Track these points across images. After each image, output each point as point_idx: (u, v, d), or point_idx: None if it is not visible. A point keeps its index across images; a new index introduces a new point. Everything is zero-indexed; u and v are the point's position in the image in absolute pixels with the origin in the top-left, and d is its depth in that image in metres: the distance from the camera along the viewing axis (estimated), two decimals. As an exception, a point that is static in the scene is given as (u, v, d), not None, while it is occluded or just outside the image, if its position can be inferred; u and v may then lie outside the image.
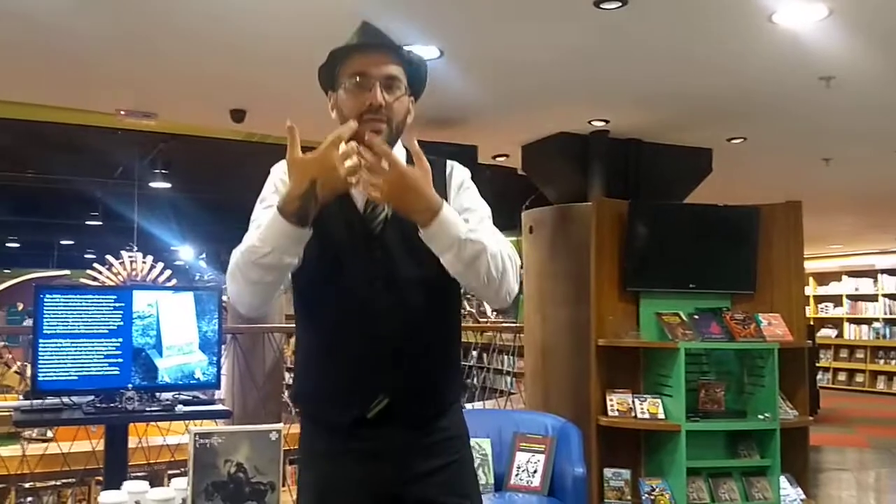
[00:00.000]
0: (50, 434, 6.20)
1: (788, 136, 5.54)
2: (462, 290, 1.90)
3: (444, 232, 1.66)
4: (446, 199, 1.77)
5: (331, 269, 1.81)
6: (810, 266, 13.76)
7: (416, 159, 1.68)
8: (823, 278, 15.19)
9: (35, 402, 3.33)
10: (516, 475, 4.08)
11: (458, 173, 1.96)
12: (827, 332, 14.86)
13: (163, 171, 8.80)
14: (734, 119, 5.10)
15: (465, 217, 1.78)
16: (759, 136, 5.52)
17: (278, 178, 1.89)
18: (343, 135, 1.64)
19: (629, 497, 4.74)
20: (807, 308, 11.77)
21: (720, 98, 4.60)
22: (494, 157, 6.23)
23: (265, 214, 1.74)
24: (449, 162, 1.97)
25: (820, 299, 15.27)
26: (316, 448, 1.89)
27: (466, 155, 5.03)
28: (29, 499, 5.56)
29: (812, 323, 13.10)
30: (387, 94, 1.78)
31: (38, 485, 5.49)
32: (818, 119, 5.04)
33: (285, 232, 1.64)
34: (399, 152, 1.87)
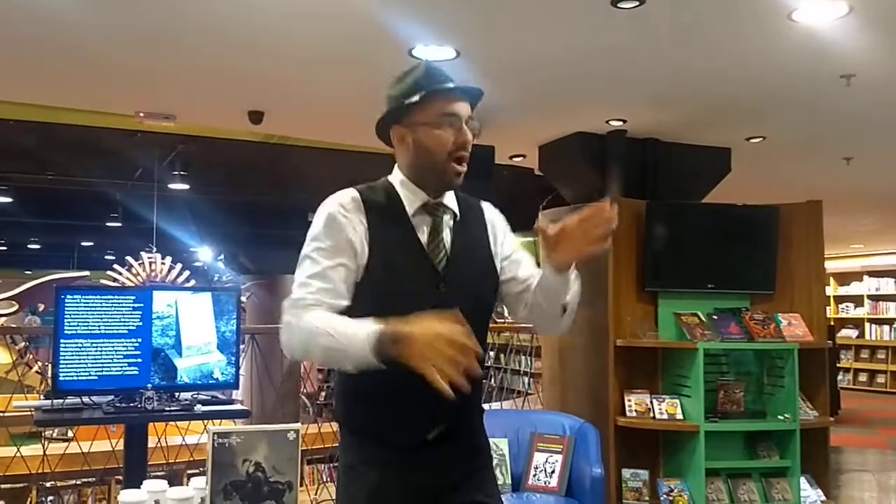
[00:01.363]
0: (70, 434, 6.25)
1: (808, 135, 5.50)
2: None
3: (573, 273, 1.95)
4: (486, 236, 2.04)
5: (397, 300, 1.84)
6: (831, 266, 13.65)
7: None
8: (844, 278, 15.05)
9: (56, 401, 3.36)
10: (534, 475, 4.07)
11: (502, 218, 2.14)
12: (848, 333, 14.73)
13: (181, 173, 8.84)
14: (753, 118, 5.06)
15: (522, 255, 2.08)
16: (778, 136, 5.48)
17: (339, 213, 1.91)
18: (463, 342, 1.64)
19: (647, 498, 4.73)
20: (827, 308, 11.68)
21: (739, 97, 4.57)
22: (511, 158, 6.22)
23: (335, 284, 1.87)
24: (483, 203, 2.12)
25: (840, 299, 15.14)
26: (371, 455, 1.97)
27: (484, 155, 5.02)
28: (50, 497, 5.61)
29: (832, 323, 13.01)
30: (469, 134, 1.94)
31: (59, 484, 5.54)
32: (839, 117, 5.00)
33: (365, 358, 1.71)
34: (450, 192, 2.03)
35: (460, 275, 1.94)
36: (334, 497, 2.74)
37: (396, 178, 2.00)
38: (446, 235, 1.97)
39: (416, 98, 1.90)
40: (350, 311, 1.88)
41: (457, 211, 2.02)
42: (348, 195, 1.95)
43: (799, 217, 5.14)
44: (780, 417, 4.72)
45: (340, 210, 1.90)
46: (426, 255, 1.93)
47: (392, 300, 1.85)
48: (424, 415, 1.90)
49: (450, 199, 2.02)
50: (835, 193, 6.83)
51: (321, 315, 1.82)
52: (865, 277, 14.71)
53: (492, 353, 12.50)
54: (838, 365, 13.56)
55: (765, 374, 4.96)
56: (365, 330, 1.71)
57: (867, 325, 14.64)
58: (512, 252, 2.08)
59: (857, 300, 14.89)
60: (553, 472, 4.04)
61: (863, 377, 14.46)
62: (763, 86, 4.35)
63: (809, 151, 6.04)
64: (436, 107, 1.91)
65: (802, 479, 4.75)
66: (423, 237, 1.95)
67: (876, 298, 14.59)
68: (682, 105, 4.77)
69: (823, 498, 4.86)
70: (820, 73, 4.05)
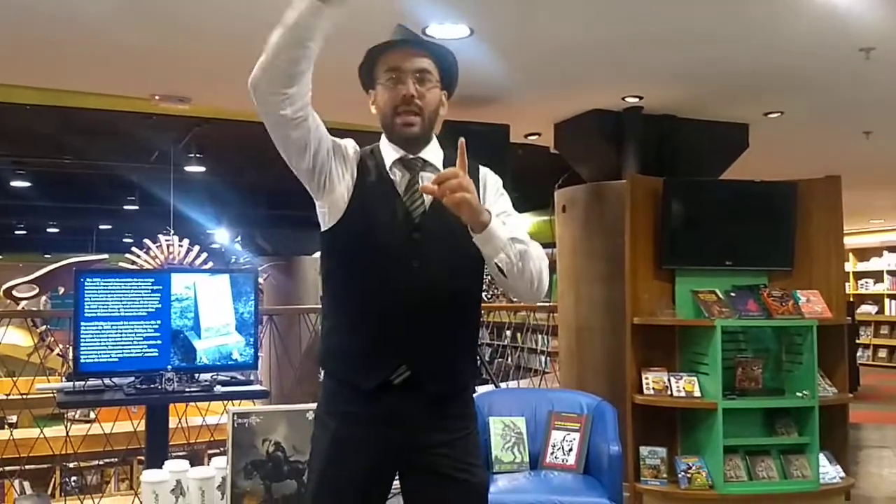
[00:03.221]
0: (92, 415, 6.32)
1: (827, 109, 5.44)
2: (487, 283, 1.98)
3: (496, 235, 1.82)
4: (478, 199, 1.90)
5: (370, 244, 1.95)
6: (850, 242, 13.53)
7: (461, 162, 1.82)
8: (864, 254, 14.93)
9: (77, 383, 3.40)
10: (551, 453, 4.08)
11: (494, 179, 2.13)
12: (867, 309, 14.63)
13: (197, 156, 8.87)
14: (771, 93, 5.01)
15: (504, 220, 1.96)
16: (796, 111, 5.42)
17: (350, 150, 2.04)
18: None
19: (665, 475, 4.73)
20: (846, 284, 11.60)
21: (756, 72, 4.52)
22: (527, 136, 6.19)
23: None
24: (482, 167, 2.13)
25: (860, 275, 15.03)
26: (336, 407, 2.01)
27: (498, 134, 5.01)
28: (73, 478, 5.69)
29: (852, 299, 12.91)
30: (419, 87, 1.95)
31: (82, 464, 5.62)
32: (858, 91, 4.94)
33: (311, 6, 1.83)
34: (434, 148, 2.08)
35: (437, 226, 1.95)
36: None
37: (382, 138, 2.08)
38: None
39: (365, 59, 2.01)
40: (325, 257, 2.04)
41: (440, 167, 2.04)
42: (354, 145, 2.06)
43: (817, 193, 5.09)
44: (798, 394, 4.71)
45: (350, 148, 2.02)
46: (401, 203, 1.98)
47: (365, 245, 1.95)
48: (388, 353, 1.93)
49: (433, 154, 2.07)
50: (854, 168, 6.76)
51: None
52: (885, 253, 14.58)
53: (508, 333, 12.54)
54: (857, 341, 13.48)
55: (783, 351, 4.94)
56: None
57: (887, 300, 14.52)
58: (502, 213, 2.03)
59: (877, 276, 14.77)
60: (571, 449, 4.05)
61: (882, 353, 14.37)
62: (781, 60, 4.30)
63: (828, 126, 5.98)
64: (382, 65, 1.99)
65: (821, 456, 4.74)
66: (401, 189, 2.00)
67: (896, 274, 14.49)
68: (699, 81, 4.73)
69: (842, 474, 4.85)
70: (838, 46, 4.00)
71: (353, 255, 1.98)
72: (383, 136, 2.08)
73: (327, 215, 2.01)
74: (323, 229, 2.04)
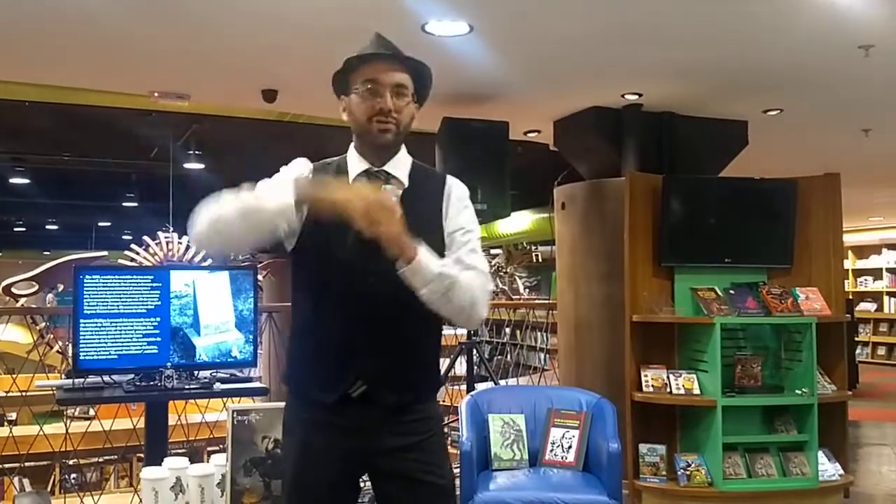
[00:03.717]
0: (92, 412, 6.32)
1: (826, 106, 5.43)
2: None
3: (422, 270, 1.86)
4: (438, 207, 2.05)
5: (326, 260, 1.99)
6: (849, 239, 13.53)
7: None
8: (863, 251, 14.93)
9: (77, 380, 3.40)
10: (551, 451, 4.08)
11: (459, 190, 2.12)
12: (866, 306, 14.63)
13: (196, 153, 8.87)
14: (770, 90, 5.01)
15: (463, 236, 2.03)
16: (796, 108, 5.42)
17: (288, 175, 2.06)
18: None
19: (664, 472, 4.74)
20: (845, 282, 11.59)
21: (756, 69, 4.51)
22: (526, 133, 6.19)
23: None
24: (448, 177, 2.15)
25: (859, 273, 15.03)
26: (300, 416, 2.07)
27: (498, 131, 5.00)
28: (73, 475, 5.70)
29: (851, 297, 12.91)
30: (396, 100, 1.98)
31: (82, 461, 5.62)
32: (857, 89, 4.94)
33: (282, 205, 1.89)
34: (403, 159, 2.08)
35: None
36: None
37: (350, 149, 2.10)
38: None
39: (341, 67, 2.02)
40: (291, 277, 2.08)
41: (404, 180, 2.06)
42: (304, 166, 2.10)
43: (817, 190, 5.10)
44: (797, 392, 4.71)
45: (294, 178, 2.01)
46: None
47: (321, 261, 1.99)
48: (344, 369, 1.98)
49: (397, 167, 2.07)
50: (853, 165, 6.76)
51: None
52: (884, 250, 14.58)
53: (508, 330, 12.53)
54: (857, 339, 13.49)
55: (782, 349, 4.95)
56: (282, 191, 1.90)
57: (886, 298, 14.53)
58: (459, 229, 2.05)
59: (876, 273, 14.78)
60: (570, 447, 4.05)
61: (881, 351, 14.38)
62: (780, 57, 4.29)
63: (827, 123, 5.97)
64: (359, 74, 2.01)
65: (820, 454, 4.74)
66: None
67: (895, 272, 14.48)
68: (698, 78, 4.72)
69: (841, 472, 4.85)
70: (838, 44, 3.99)
71: (310, 272, 2.03)
72: (351, 147, 2.10)
73: (289, 238, 2.04)
74: (288, 250, 2.06)
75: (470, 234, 2.07)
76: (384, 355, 1.98)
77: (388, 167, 2.05)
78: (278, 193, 1.90)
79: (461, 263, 1.97)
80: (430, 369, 2.15)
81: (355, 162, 2.06)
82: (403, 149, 2.10)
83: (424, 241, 1.91)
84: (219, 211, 1.92)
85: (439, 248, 1.99)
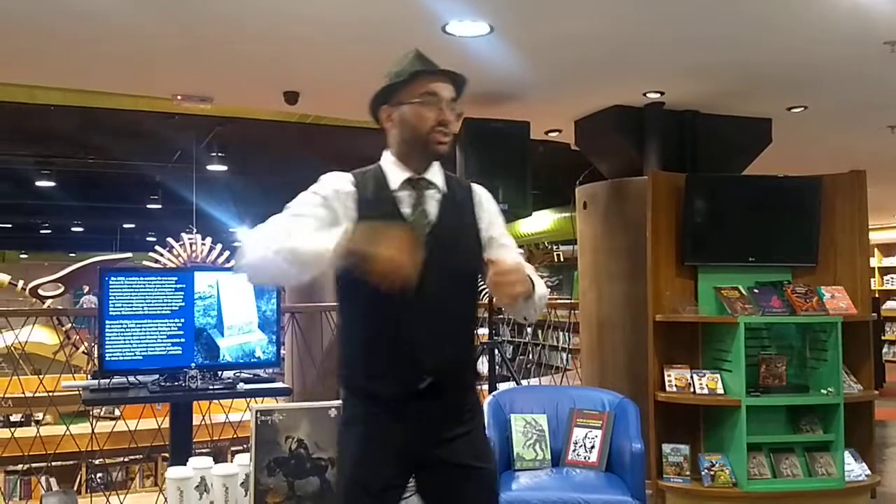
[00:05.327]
0: (117, 412, 6.39)
1: (851, 103, 5.38)
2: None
3: (539, 293, 2.11)
4: (472, 211, 2.19)
5: None
6: (875, 237, 13.35)
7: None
8: (890, 249, 14.73)
9: (102, 381, 3.44)
10: (573, 451, 4.07)
11: (488, 198, 2.27)
12: (893, 305, 14.44)
13: (219, 155, 8.93)
14: (794, 88, 4.97)
15: (507, 240, 2.24)
16: (820, 105, 5.37)
17: (331, 190, 2.12)
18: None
19: (688, 472, 4.71)
20: (872, 280, 11.45)
21: (779, 66, 4.48)
22: (547, 133, 6.18)
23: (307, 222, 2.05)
24: (472, 184, 2.28)
25: (886, 271, 14.83)
26: (365, 411, 2.13)
27: (519, 131, 5.00)
28: (98, 474, 5.76)
29: (877, 295, 12.76)
30: (450, 114, 2.11)
31: (108, 461, 5.68)
32: (883, 85, 4.88)
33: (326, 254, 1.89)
34: (437, 169, 2.19)
35: (442, 244, 2.07)
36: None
37: (386, 158, 2.18)
38: (431, 208, 2.12)
39: (403, 77, 2.10)
40: (340, 279, 2.14)
41: (443, 186, 2.16)
42: (339, 179, 2.14)
43: (842, 188, 5.04)
44: (823, 391, 4.67)
45: (334, 190, 2.10)
46: (411, 224, 2.08)
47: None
48: (414, 366, 2.07)
49: (435, 175, 2.17)
50: (879, 162, 6.68)
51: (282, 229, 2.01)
52: (912, 248, 14.41)
53: (529, 330, 12.51)
54: (883, 338, 13.32)
55: (807, 348, 4.90)
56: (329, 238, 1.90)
57: (913, 296, 14.35)
58: (500, 236, 2.24)
59: (903, 271, 14.60)
60: (593, 447, 4.04)
61: (908, 350, 14.20)
62: (805, 54, 4.26)
63: (852, 120, 5.91)
64: (419, 87, 2.09)
65: (846, 454, 4.69)
66: (407, 209, 2.11)
67: (922, 269, 14.29)
68: (721, 75, 4.69)
69: (868, 472, 4.80)
70: (862, 40, 3.95)
71: (364, 281, 1.96)
72: (388, 155, 2.17)
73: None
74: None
75: (507, 237, 2.26)
76: (446, 350, 2.10)
77: (427, 175, 2.15)
78: (321, 242, 1.90)
79: (543, 296, 2.18)
80: (473, 360, 2.33)
81: (396, 170, 2.14)
82: (438, 162, 2.21)
83: (465, 244, 2.14)
84: (264, 254, 1.95)
85: (478, 251, 2.17)
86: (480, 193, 2.25)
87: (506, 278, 1.97)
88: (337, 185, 2.11)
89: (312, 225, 2.03)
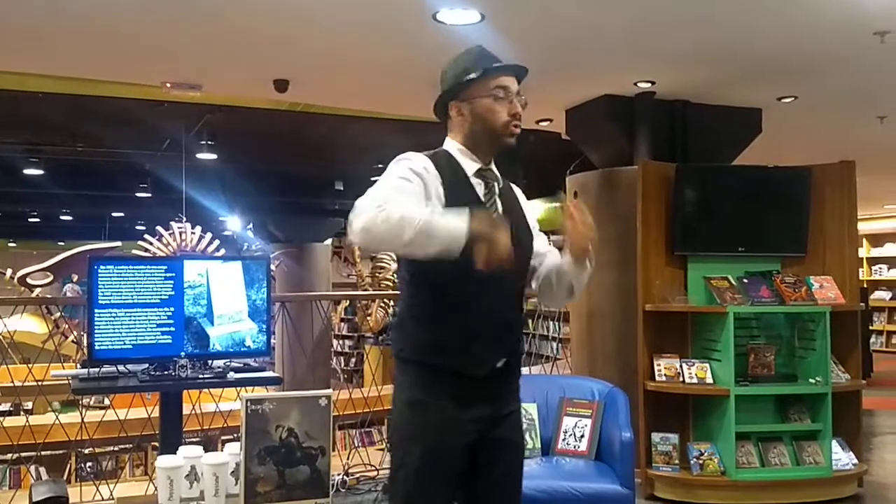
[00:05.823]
0: (107, 401, 6.37)
1: (841, 93, 5.39)
2: None
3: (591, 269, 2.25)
4: (523, 210, 2.32)
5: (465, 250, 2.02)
6: (864, 227, 13.43)
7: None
8: (878, 239, 14.83)
9: (92, 370, 3.42)
10: (563, 440, 4.09)
11: (522, 193, 2.40)
12: (881, 295, 14.54)
13: (209, 143, 8.88)
14: (785, 77, 4.97)
15: (539, 233, 2.35)
16: (810, 95, 5.38)
17: (422, 168, 2.13)
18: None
19: (677, 461, 4.73)
20: (860, 270, 11.51)
21: (770, 56, 4.48)
22: (538, 122, 6.17)
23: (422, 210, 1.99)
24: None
25: (874, 261, 14.93)
26: (439, 391, 2.16)
27: (510, 120, 4.99)
28: (88, 463, 5.74)
29: (865, 285, 12.84)
30: (520, 106, 2.23)
31: (97, 450, 5.67)
32: (872, 75, 4.90)
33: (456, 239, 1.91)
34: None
35: (511, 227, 2.10)
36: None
37: (453, 147, 2.24)
38: (497, 197, 2.24)
39: (474, 74, 2.18)
40: (416, 264, 2.08)
41: (500, 178, 2.29)
42: (424, 158, 2.16)
43: (831, 178, 5.06)
44: (811, 381, 4.69)
45: (424, 168, 2.12)
46: (486, 208, 2.18)
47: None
48: (496, 344, 2.20)
49: (494, 167, 2.29)
50: (868, 153, 6.71)
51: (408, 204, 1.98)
52: (900, 238, 14.50)
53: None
54: (871, 327, 13.42)
55: (796, 338, 4.93)
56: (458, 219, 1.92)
57: (901, 286, 14.45)
58: (536, 228, 2.37)
59: (891, 261, 14.68)
60: (582, 436, 4.05)
61: (896, 339, 14.31)
62: (795, 44, 4.26)
63: (842, 110, 5.93)
64: (490, 82, 2.20)
65: (834, 443, 4.73)
66: (482, 197, 2.21)
67: (910, 260, 14.38)
68: (711, 65, 4.69)
69: (855, 461, 4.84)
70: (853, 29, 3.96)
71: (455, 264, 1.97)
72: (454, 143, 2.24)
73: None
74: None
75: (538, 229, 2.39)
76: (517, 329, 2.28)
77: (491, 166, 2.28)
78: (455, 224, 1.90)
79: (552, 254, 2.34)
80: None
81: (466, 160, 2.22)
82: None
83: (523, 235, 2.24)
84: (401, 223, 1.88)
85: (531, 242, 2.31)
86: (517, 189, 2.39)
87: (588, 227, 2.13)
88: (425, 163, 2.15)
89: (420, 195, 2.07)
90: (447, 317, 2.16)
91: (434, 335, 2.18)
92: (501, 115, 2.19)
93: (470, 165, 2.22)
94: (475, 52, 2.26)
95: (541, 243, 2.35)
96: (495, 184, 2.25)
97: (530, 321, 12.29)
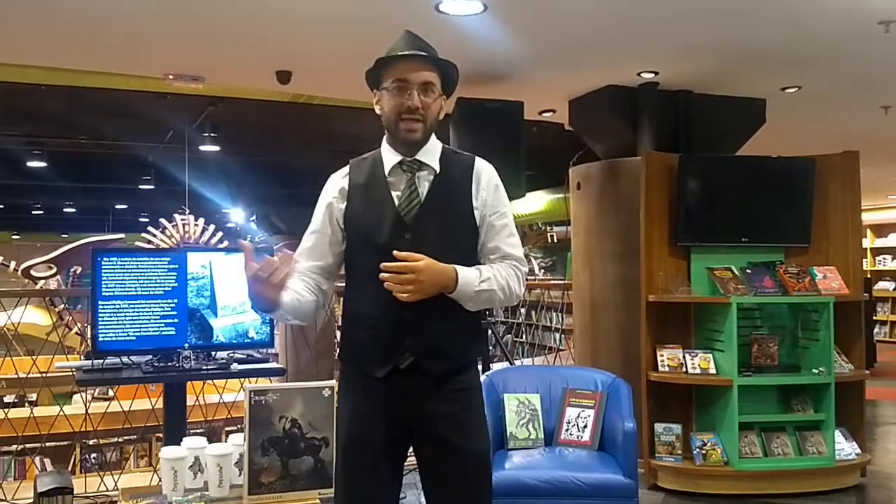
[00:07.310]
0: (111, 393, 6.38)
1: (845, 84, 5.37)
2: None
3: (463, 292, 2.10)
4: (469, 189, 2.19)
5: (367, 247, 2.17)
6: (868, 218, 13.38)
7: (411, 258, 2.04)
8: (882, 230, 14.79)
9: (96, 362, 3.43)
10: (566, 430, 4.09)
11: (488, 172, 2.26)
12: (885, 285, 14.52)
13: (212, 135, 8.87)
14: (789, 67, 4.96)
15: (498, 220, 2.21)
16: (814, 85, 5.36)
17: (335, 192, 2.25)
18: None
19: (680, 452, 4.74)
20: (864, 260, 11.49)
21: (773, 46, 4.47)
22: (541, 113, 6.16)
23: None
24: (477, 160, 2.28)
25: (878, 251, 14.90)
26: (356, 382, 2.25)
27: (512, 111, 4.98)
28: (93, 455, 5.76)
29: (869, 276, 12.82)
30: (423, 97, 2.12)
31: (101, 441, 5.68)
32: (877, 65, 4.87)
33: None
34: (433, 147, 2.22)
35: (431, 224, 2.14)
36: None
37: (384, 142, 2.25)
38: (423, 189, 2.17)
39: (372, 65, 2.16)
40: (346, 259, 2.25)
41: (436, 167, 2.20)
42: (340, 174, 2.26)
43: (835, 168, 5.05)
44: (814, 371, 4.70)
45: (332, 199, 2.23)
46: (394, 207, 2.15)
47: (363, 249, 2.18)
48: (394, 345, 2.15)
49: (428, 155, 2.21)
50: (872, 143, 6.69)
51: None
52: (904, 229, 14.46)
53: (523, 310, 12.53)
54: (875, 318, 13.41)
55: (799, 328, 4.93)
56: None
57: (904, 277, 14.42)
58: (494, 213, 2.23)
59: (895, 252, 14.65)
60: (585, 426, 4.06)
61: (900, 330, 14.28)
62: (799, 34, 4.24)
63: (846, 101, 5.91)
64: (390, 73, 2.14)
65: (837, 433, 4.73)
66: (398, 192, 2.17)
67: (914, 250, 14.35)
68: (715, 55, 4.68)
69: (858, 451, 4.84)
70: (858, 19, 3.94)
71: (355, 258, 2.22)
72: (385, 139, 2.24)
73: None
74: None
75: (504, 217, 2.24)
76: (428, 329, 2.14)
77: (419, 156, 2.19)
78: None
79: (499, 252, 2.20)
80: (469, 340, 2.28)
81: (389, 154, 2.21)
82: (433, 139, 2.23)
83: (455, 223, 2.17)
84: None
85: (471, 228, 2.19)
86: (480, 170, 2.25)
87: (398, 277, 2.03)
88: (340, 184, 2.23)
89: (322, 243, 2.25)
90: (352, 318, 2.25)
91: (344, 336, 2.32)
92: (395, 109, 2.13)
93: (390, 160, 2.20)
94: (395, 41, 2.19)
95: (492, 238, 2.21)
96: (423, 174, 2.18)
97: (533, 313, 12.32)
